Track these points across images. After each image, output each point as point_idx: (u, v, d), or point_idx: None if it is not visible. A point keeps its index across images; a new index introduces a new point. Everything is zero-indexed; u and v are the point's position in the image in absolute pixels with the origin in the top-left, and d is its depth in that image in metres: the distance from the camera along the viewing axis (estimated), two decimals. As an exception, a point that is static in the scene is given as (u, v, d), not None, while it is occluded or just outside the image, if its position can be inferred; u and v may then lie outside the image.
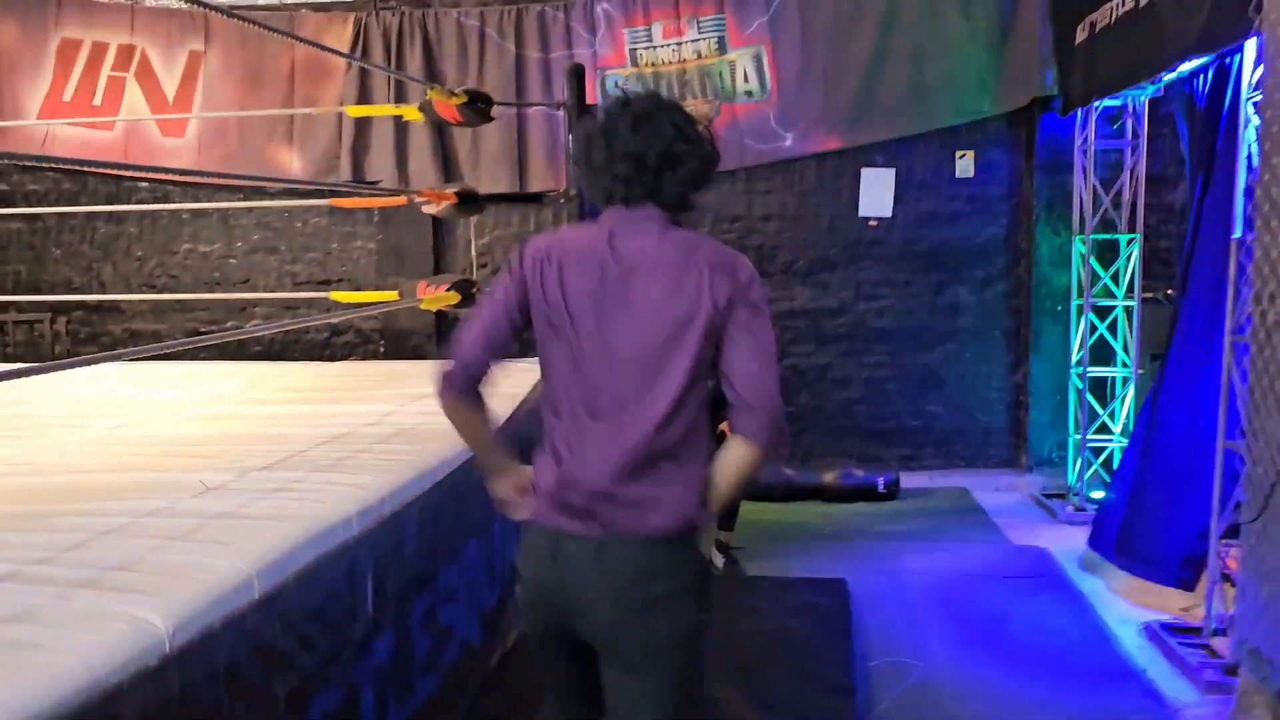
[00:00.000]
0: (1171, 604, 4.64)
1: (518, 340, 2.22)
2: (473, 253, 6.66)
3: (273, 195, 6.37)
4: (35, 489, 2.86)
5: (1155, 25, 4.73)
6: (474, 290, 4.96)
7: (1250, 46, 4.04)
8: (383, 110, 5.59)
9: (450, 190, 4.88)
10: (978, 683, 3.96)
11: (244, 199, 6.71)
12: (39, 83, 7.32)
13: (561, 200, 5.42)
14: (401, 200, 4.98)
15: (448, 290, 4.84)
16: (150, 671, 1.79)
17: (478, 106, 4.94)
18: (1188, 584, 4.57)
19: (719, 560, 5.37)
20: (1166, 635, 4.30)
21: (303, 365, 5.73)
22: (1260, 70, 3.99)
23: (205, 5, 3.39)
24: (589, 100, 6.63)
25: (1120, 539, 4.92)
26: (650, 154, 2.10)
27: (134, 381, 5.05)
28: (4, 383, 2.63)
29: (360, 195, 5.49)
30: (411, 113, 5.02)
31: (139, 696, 1.76)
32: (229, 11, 3.78)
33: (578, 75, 5.31)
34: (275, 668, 2.20)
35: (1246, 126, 4.04)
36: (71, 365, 2.94)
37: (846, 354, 7.10)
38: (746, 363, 2.08)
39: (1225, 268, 4.11)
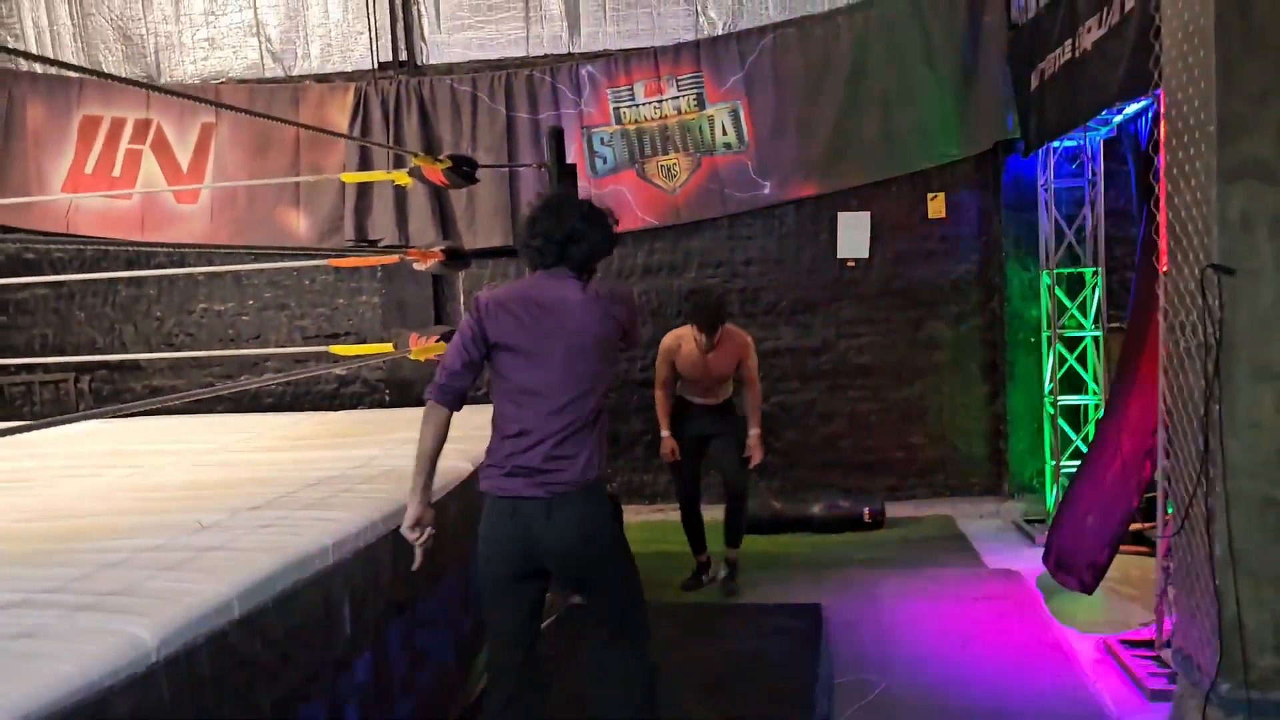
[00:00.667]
0: (1133, 619, 4.89)
1: (482, 364, 3.06)
2: (462, 303, 6.97)
3: (279, 256, 6.77)
4: (51, 531, 3.20)
5: (1086, 75, 5.05)
6: (462, 340, 5.29)
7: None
8: (375, 176, 5.98)
9: (438, 249, 5.23)
10: (933, 697, 4.20)
11: (254, 260, 7.11)
12: (63, 157, 7.80)
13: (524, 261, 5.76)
14: (394, 259, 5.33)
15: (437, 341, 5.16)
16: (138, 678, 2.11)
17: (462, 170, 5.30)
18: (1088, 588, 4.87)
19: (722, 573, 5.76)
20: (1121, 649, 4.53)
21: (306, 415, 6.08)
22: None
23: (210, 102, 3.75)
24: (569, 159, 7.07)
25: (1049, 550, 5.22)
26: (557, 233, 3.01)
27: (150, 434, 5.42)
28: (27, 435, 2.97)
29: (357, 255, 5.85)
30: (402, 178, 5.38)
31: (129, 699, 2.07)
32: (230, 106, 4.16)
33: (557, 137, 5.67)
34: (258, 679, 2.51)
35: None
36: (59, 422, 3.28)
37: (830, 390, 7.38)
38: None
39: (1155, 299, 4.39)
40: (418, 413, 5.85)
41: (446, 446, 3.37)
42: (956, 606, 5.27)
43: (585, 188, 7.29)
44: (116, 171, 7.71)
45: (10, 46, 7.97)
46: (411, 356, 4.86)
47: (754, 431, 5.59)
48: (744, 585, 5.75)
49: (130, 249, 7.81)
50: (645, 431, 7.56)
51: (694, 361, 5.55)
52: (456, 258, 5.26)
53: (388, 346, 5.40)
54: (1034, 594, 5.39)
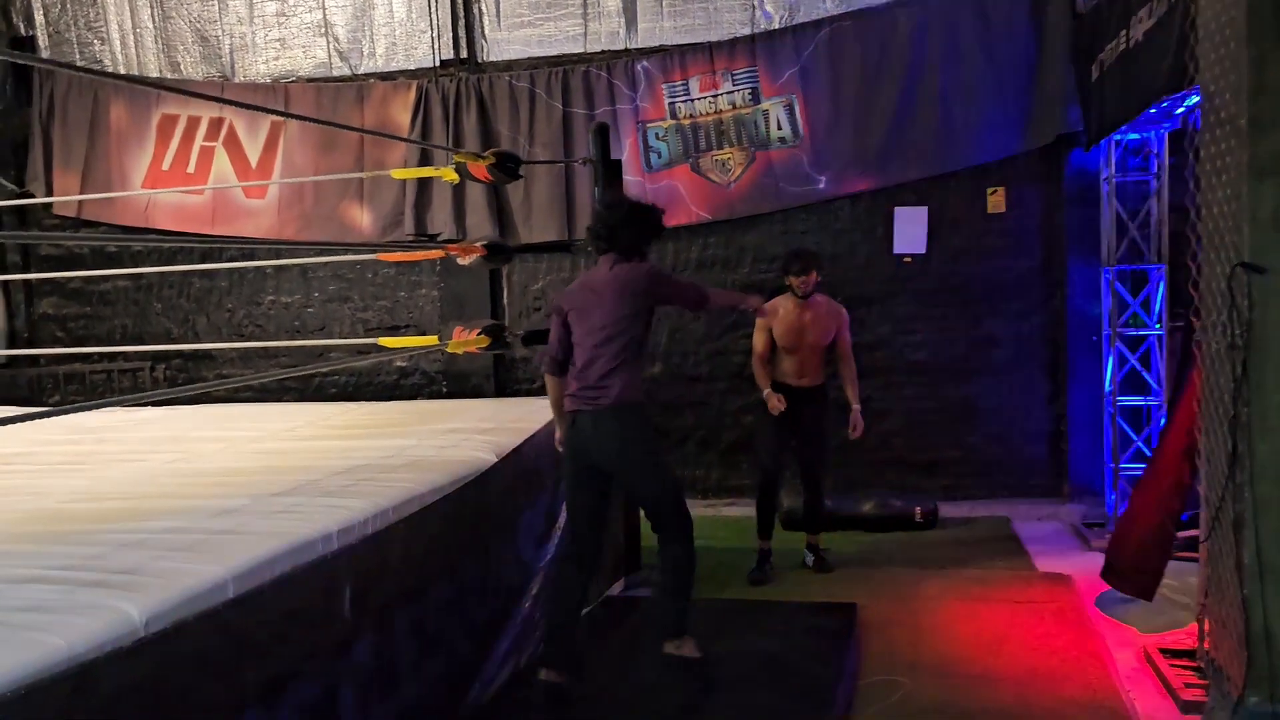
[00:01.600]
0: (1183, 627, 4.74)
1: (567, 333, 4.04)
2: (506, 298, 7.06)
3: (338, 250, 6.96)
4: (86, 512, 3.36)
5: (1138, 66, 4.91)
6: (504, 334, 5.38)
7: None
8: (422, 173, 6.10)
9: (479, 244, 5.32)
10: (958, 701, 4.13)
11: (318, 253, 7.32)
12: (143, 154, 8.14)
13: (590, 249, 5.81)
14: (438, 253, 5.44)
15: (479, 334, 5.26)
16: (124, 652, 2.21)
17: (506, 166, 5.38)
18: (1145, 593, 4.72)
19: (809, 559, 5.98)
20: (1161, 658, 4.39)
21: (360, 405, 6.24)
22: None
23: (265, 109, 3.87)
24: (624, 155, 7.11)
25: (1109, 559, 5.06)
26: (605, 226, 4.08)
27: (209, 421, 5.64)
28: (97, 419, 3.13)
29: (402, 250, 5.98)
30: (449, 174, 5.48)
31: (115, 670, 2.18)
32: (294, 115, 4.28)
33: (602, 133, 5.72)
34: (251, 657, 2.61)
35: (1213, 161, 4.19)
36: (75, 411, 3.44)
37: (885, 387, 7.28)
38: (686, 290, 4.28)
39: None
40: (469, 403, 6.01)
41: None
42: (996, 609, 5.17)
43: (640, 182, 7.35)
44: (191, 168, 8.01)
45: (96, 49, 8.33)
46: (449, 349, 4.95)
47: (856, 407, 5.85)
48: (786, 582, 5.73)
49: (204, 244, 8.15)
50: (698, 426, 7.57)
51: (791, 324, 5.73)
52: (498, 252, 5.34)
53: (433, 339, 5.51)
54: (1079, 598, 5.26)
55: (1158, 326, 6.33)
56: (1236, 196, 3.34)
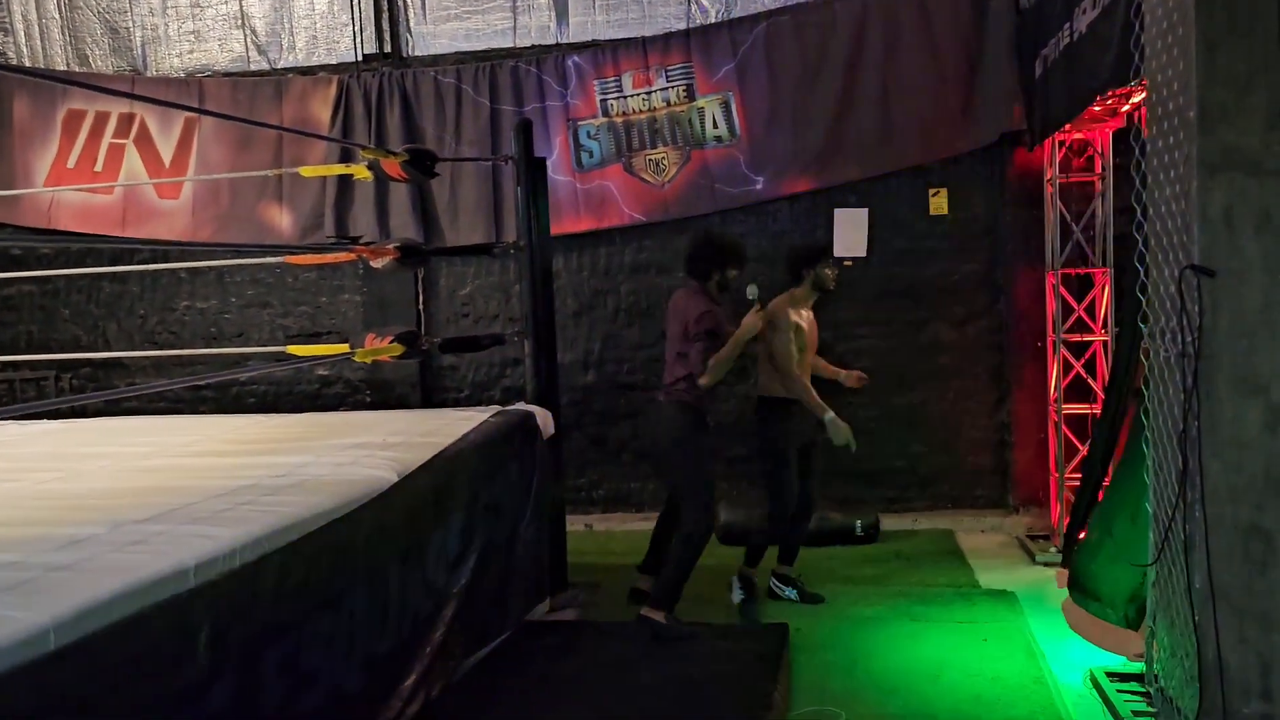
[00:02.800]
0: (1130, 647, 4.52)
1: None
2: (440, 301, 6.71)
3: (248, 253, 6.58)
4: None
5: (1081, 60, 4.69)
6: (419, 341, 5.05)
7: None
8: (332, 170, 5.75)
9: (391, 246, 4.99)
10: (894, 731, 3.88)
11: (229, 255, 6.93)
12: (46, 151, 7.68)
13: (511, 251, 5.50)
14: (349, 256, 5.10)
15: (391, 342, 4.92)
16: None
17: (421, 163, 5.05)
18: (1133, 623, 4.45)
19: (788, 592, 5.46)
20: (1109, 682, 4.16)
21: (268, 418, 5.86)
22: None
23: (187, 108, 3.53)
24: (554, 153, 6.81)
25: (1075, 574, 4.81)
26: (687, 254, 5.05)
27: (109, 434, 5.24)
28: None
29: (311, 253, 5.63)
30: (361, 171, 5.15)
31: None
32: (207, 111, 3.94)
33: (525, 130, 5.41)
34: (73, 716, 2.26)
35: (1159, 158, 3.97)
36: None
37: (826, 395, 7.00)
38: (696, 339, 4.86)
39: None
40: (384, 415, 5.66)
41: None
42: (938, 631, 4.93)
43: (570, 182, 7.05)
44: (99, 166, 7.57)
45: (-2, 40, 7.87)
46: (357, 358, 4.61)
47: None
48: (716, 601, 5.45)
49: (115, 246, 7.71)
50: (634, 437, 7.27)
51: (813, 329, 5.45)
52: (412, 255, 5.02)
53: (343, 347, 5.16)
54: (1023, 619, 5.03)
55: (1103, 332, 6.14)
56: (1185, 194, 3.11)
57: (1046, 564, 5.94)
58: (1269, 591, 3.01)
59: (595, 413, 7.28)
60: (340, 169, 5.47)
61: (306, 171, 5.51)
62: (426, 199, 7.18)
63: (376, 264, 5.04)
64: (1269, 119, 2.99)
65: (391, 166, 5.03)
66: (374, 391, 7.47)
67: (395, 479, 3.81)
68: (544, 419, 5.29)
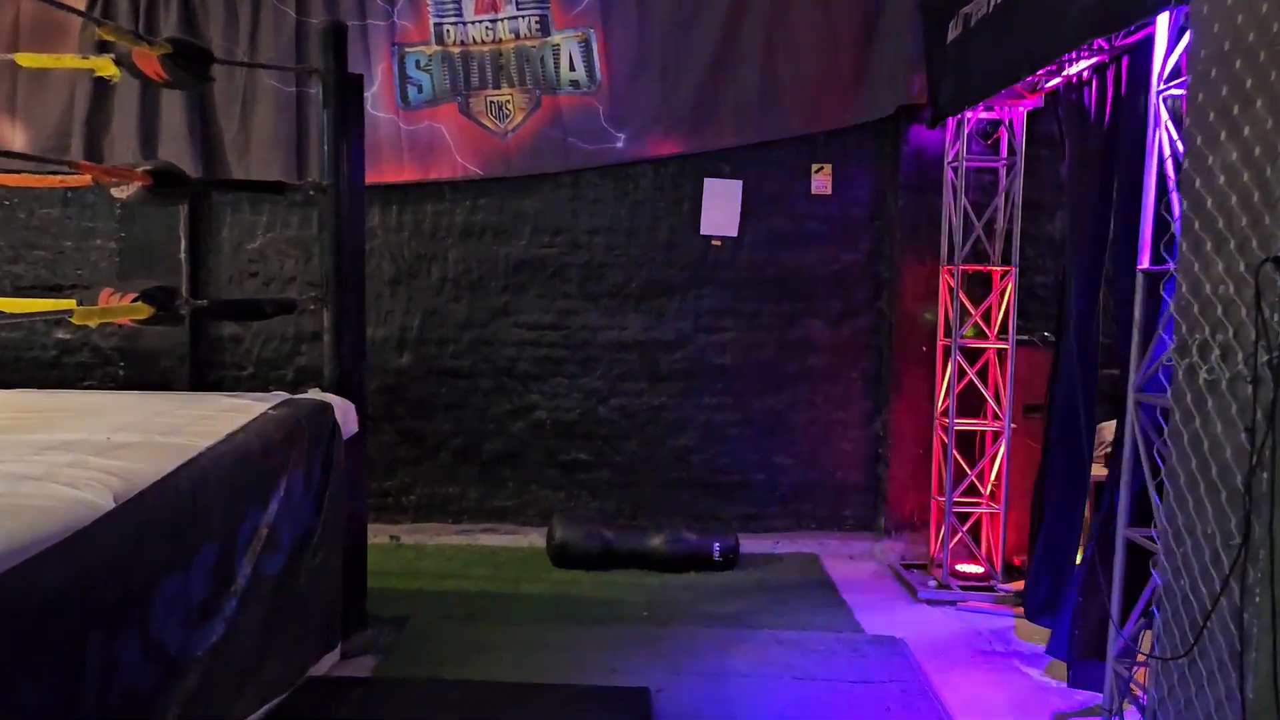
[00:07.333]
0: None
1: None
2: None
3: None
4: None
5: (1039, 10, 3.86)
6: (176, 302, 3.74)
7: (1162, 25, 3.18)
8: (67, 62, 4.32)
9: (142, 169, 3.65)
10: None
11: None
12: None
13: (311, 193, 4.24)
14: (84, 181, 3.73)
15: (134, 300, 3.60)
16: None
17: (191, 63, 3.74)
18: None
19: None
20: (1045, 772, 3.35)
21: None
22: (1175, 57, 3.13)
23: None
24: (374, 85, 5.57)
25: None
26: None
27: None
28: None
29: (29, 174, 4.21)
30: (106, 66, 3.79)
31: None
32: None
33: (335, 35, 4.18)
34: None
35: (1158, 127, 3.16)
36: None
37: (683, 394, 6.08)
38: None
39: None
40: (124, 399, 4.28)
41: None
42: (828, 693, 4.03)
43: (393, 121, 5.81)
44: None
45: None
46: (75, 319, 3.28)
47: None
48: (556, 647, 4.38)
49: None
50: (455, 433, 6.11)
51: None
52: (171, 183, 3.69)
53: (69, 303, 3.80)
54: (921, 674, 4.20)
55: (1002, 339, 5.42)
56: (1271, 156, 2.25)
57: (930, 602, 5.17)
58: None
59: (409, 402, 6.06)
60: (75, 60, 4.05)
61: (25, 60, 4.06)
62: (209, 126, 5.78)
63: (120, 192, 3.70)
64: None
65: (147, 61, 3.70)
66: (130, 364, 5.99)
67: (110, 505, 2.55)
68: (345, 412, 4.08)
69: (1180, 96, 3.09)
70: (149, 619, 2.77)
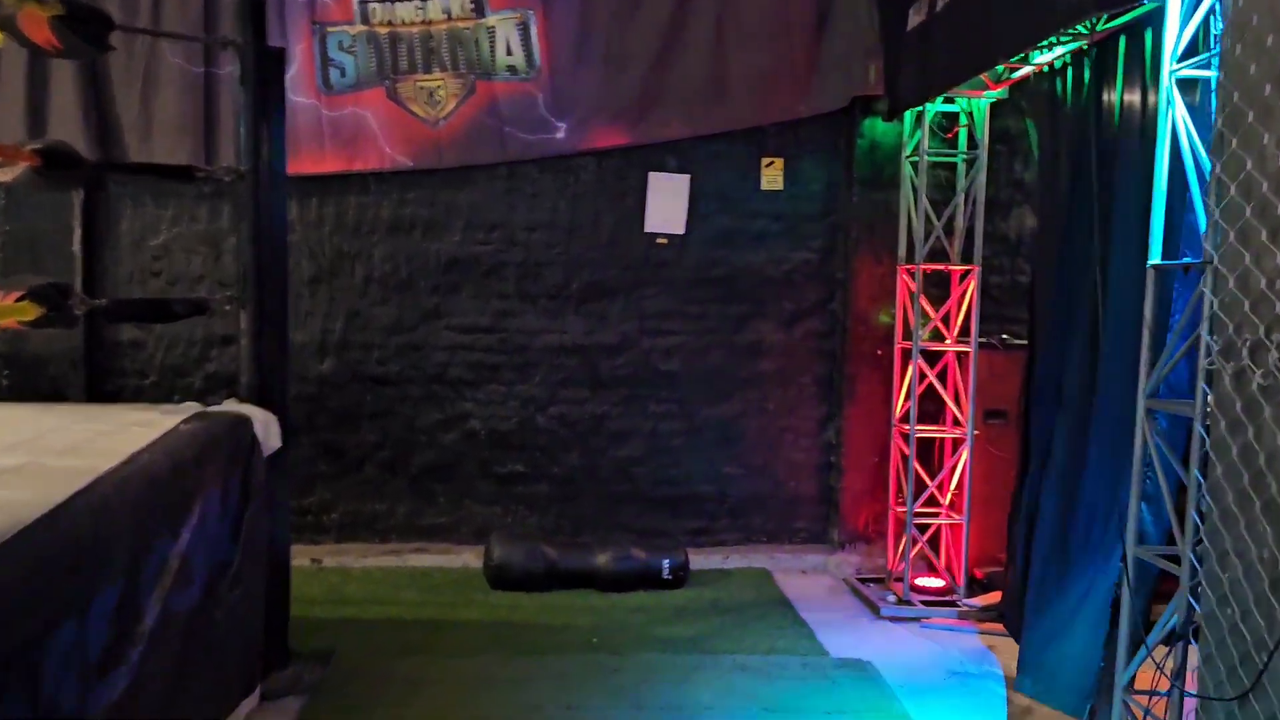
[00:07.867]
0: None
1: None
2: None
3: None
4: None
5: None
6: (70, 301, 3.27)
7: (1173, 2, 2.94)
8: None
9: (31, 148, 3.17)
10: None
11: None
12: None
13: (226, 179, 3.78)
14: (-44, 159, 3.23)
15: (18, 300, 3.12)
16: None
17: (86, 27, 3.27)
18: None
19: None
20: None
21: None
22: (1185, 37, 2.89)
23: None
24: (294, 66, 5.13)
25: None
26: None
27: None
28: None
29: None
30: (-15, 31, 3.29)
31: None
32: None
33: (253, 4, 3.73)
34: None
35: (1170, 107, 2.91)
36: None
37: (627, 402, 5.74)
38: None
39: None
40: (15, 412, 3.78)
41: None
42: (797, 724, 3.72)
43: (315, 106, 5.36)
44: None
45: None
46: (-55, 321, 2.80)
47: None
48: (503, 682, 3.99)
49: None
50: (381, 445, 5.66)
51: None
52: (62, 164, 3.22)
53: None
54: (897, 702, 3.91)
55: (962, 342, 5.19)
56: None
57: (894, 619, 4.91)
58: None
59: (331, 412, 5.60)
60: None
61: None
62: (106, 107, 5.25)
63: (3, 174, 3.21)
64: None
65: (36, 24, 3.22)
66: (15, 371, 5.40)
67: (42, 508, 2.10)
68: (266, 426, 3.63)
69: (1198, 77, 2.86)
70: (39, 677, 2.32)
